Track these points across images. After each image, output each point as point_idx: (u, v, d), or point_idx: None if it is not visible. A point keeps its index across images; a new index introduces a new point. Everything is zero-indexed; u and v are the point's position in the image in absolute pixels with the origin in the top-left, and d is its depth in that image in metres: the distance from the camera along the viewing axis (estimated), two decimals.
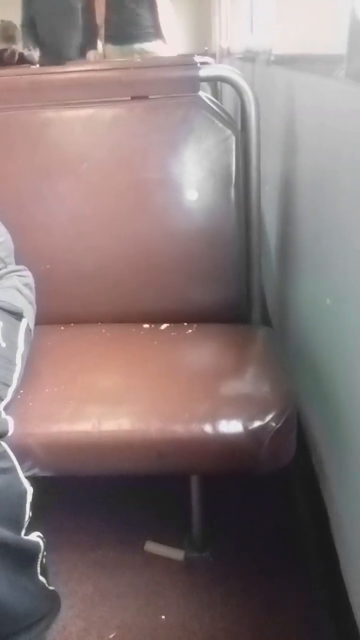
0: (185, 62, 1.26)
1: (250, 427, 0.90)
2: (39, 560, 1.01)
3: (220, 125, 1.21)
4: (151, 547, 1.27)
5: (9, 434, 0.92)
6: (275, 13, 1.83)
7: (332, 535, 1.08)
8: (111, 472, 1.01)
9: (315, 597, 1.11)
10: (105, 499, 1.39)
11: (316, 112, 1.17)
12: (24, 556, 0.98)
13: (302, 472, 1.25)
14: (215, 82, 2.11)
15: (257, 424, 0.90)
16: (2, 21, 4.78)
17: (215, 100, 1.25)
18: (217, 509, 1.33)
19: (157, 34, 3.13)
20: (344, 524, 1.03)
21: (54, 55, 3.38)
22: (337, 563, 1.03)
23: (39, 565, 1.01)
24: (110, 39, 3.09)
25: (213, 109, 1.22)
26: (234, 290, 1.28)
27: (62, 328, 1.28)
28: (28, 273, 1.22)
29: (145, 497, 1.36)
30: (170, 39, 3.16)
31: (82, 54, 3.46)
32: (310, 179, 1.26)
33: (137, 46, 3.10)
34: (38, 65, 3.45)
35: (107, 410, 0.97)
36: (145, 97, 1.24)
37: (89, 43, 3.31)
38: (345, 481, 1.02)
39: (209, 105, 1.22)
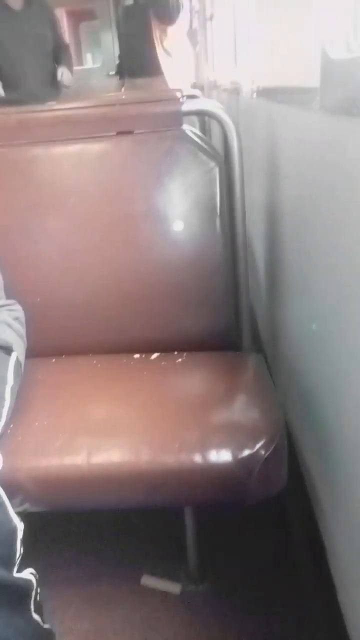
0: (169, 97, 1.29)
1: (239, 456, 0.90)
2: (33, 598, 1.00)
3: (204, 157, 1.24)
4: (148, 581, 1.25)
5: None
6: (255, 46, 1.89)
7: (329, 564, 1.06)
8: (103, 505, 1.00)
9: (314, 629, 1.09)
10: (99, 532, 1.37)
11: (296, 142, 1.21)
12: (17, 595, 0.96)
13: (296, 498, 1.24)
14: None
15: (246, 452, 0.90)
16: None
17: (199, 133, 1.28)
18: (212, 540, 1.31)
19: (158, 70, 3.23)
20: (339, 551, 1.02)
21: (26, 94, 3.30)
22: (334, 593, 1.01)
23: (32, 603, 1.00)
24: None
25: (197, 142, 1.25)
26: (223, 318, 1.29)
27: (53, 360, 1.28)
28: (18, 307, 1.23)
29: (140, 529, 1.35)
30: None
31: (53, 79, 3.45)
32: (293, 206, 1.29)
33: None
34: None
35: (98, 442, 0.97)
36: (131, 132, 1.27)
37: (58, 63, 3.36)
38: (338, 507, 1.01)
39: (192, 138, 1.25)
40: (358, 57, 0.84)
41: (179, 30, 3.12)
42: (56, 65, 3.47)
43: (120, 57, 3.39)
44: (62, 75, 3.42)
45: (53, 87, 3.47)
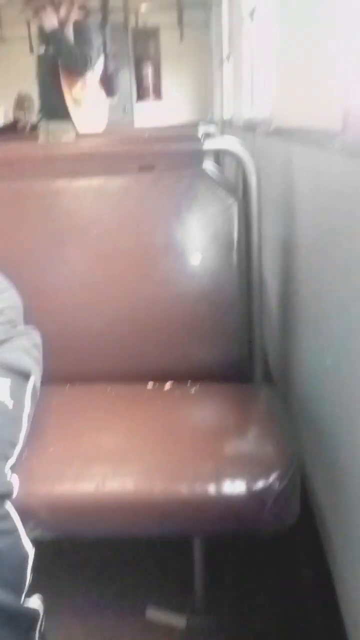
0: (190, 136, 1.34)
1: (253, 488, 0.90)
2: (38, 627, 0.99)
3: (223, 194, 1.27)
4: (152, 614, 1.24)
5: (14, 495, 0.92)
6: (274, 86, 1.95)
7: (338, 601, 1.05)
8: (114, 533, 1.01)
9: None
10: (107, 562, 1.36)
11: (313, 181, 1.24)
12: (23, 623, 0.96)
13: (306, 534, 1.24)
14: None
15: (260, 484, 0.91)
16: (19, 92, 5.06)
17: (218, 171, 1.32)
18: (219, 573, 1.30)
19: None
20: (349, 589, 1.01)
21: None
22: (343, 632, 1.00)
23: (37, 632, 0.99)
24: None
25: (216, 179, 1.29)
26: (236, 351, 1.30)
27: (68, 387, 1.30)
28: (37, 333, 1.25)
29: (147, 560, 1.34)
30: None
31: None
32: (308, 244, 1.32)
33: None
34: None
35: (111, 470, 0.98)
36: (152, 168, 1.32)
37: None
38: (349, 545, 1.01)
39: (211, 176, 1.29)
40: None
41: (90, 80, 3.21)
42: None
43: (40, 101, 3.49)
44: None
45: None
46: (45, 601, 1.02)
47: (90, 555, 1.36)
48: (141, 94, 8.01)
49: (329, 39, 1.08)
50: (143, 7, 7.44)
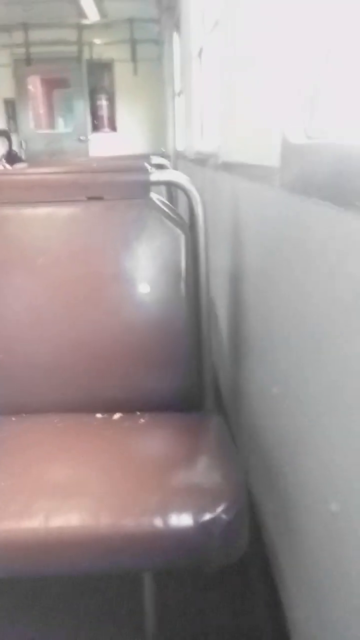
0: (138, 167, 1.36)
1: (200, 520, 0.90)
2: None
3: (171, 225, 1.29)
4: None
5: None
6: (219, 123, 2.02)
7: (288, 626, 1.05)
8: (61, 570, 0.97)
9: None
10: (54, 599, 1.32)
11: (257, 214, 1.28)
12: None
13: (257, 559, 1.23)
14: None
15: (207, 516, 0.90)
16: None
17: (166, 202, 1.34)
18: (171, 605, 1.28)
19: None
20: (300, 617, 1.01)
21: None
22: None
23: None
24: None
25: (164, 210, 1.31)
26: (186, 380, 1.31)
27: (14, 419, 1.27)
28: None
29: (96, 596, 1.30)
30: None
31: None
32: (254, 274, 1.35)
33: None
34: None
35: (57, 505, 0.95)
36: (101, 198, 1.32)
37: None
38: (299, 572, 1.01)
39: (160, 206, 1.31)
40: (313, 143, 0.91)
41: None
42: None
43: None
44: None
45: None
46: None
47: (36, 594, 1.31)
48: (96, 125, 8.09)
49: (267, 80, 1.13)
50: (97, 40, 7.58)
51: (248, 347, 1.47)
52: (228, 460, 1.07)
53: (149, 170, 1.34)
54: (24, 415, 1.28)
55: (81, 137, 7.88)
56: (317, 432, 0.89)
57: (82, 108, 7.97)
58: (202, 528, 0.90)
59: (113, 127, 8.05)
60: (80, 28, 7.37)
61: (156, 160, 2.47)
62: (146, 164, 1.38)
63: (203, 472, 1.07)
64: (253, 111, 1.33)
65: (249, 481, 1.08)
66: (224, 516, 0.91)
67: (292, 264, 0.97)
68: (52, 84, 8.10)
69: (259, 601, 1.26)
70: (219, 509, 0.91)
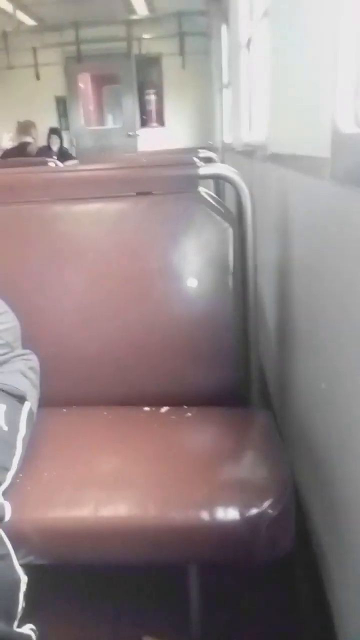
0: (186, 161, 1.36)
1: (246, 515, 0.90)
2: None
3: (218, 218, 1.29)
4: None
5: (6, 519, 0.92)
6: (269, 113, 1.99)
7: (335, 629, 1.04)
8: (108, 559, 1.00)
9: None
10: (101, 590, 1.34)
11: (306, 206, 1.26)
12: None
13: (303, 558, 1.22)
14: None
15: (253, 511, 0.90)
16: (18, 120, 5.27)
17: (214, 195, 1.34)
18: (217, 600, 1.28)
19: None
20: (347, 615, 0.99)
21: None
22: None
23: None
24: None
25: (211, 203, 1.31)
26: (233, 375, 1.30)
27: (65, 410, 1.30)
28: (33, 357, 1.26)
29: (143, 587, 1.32)
30: None
31: None
32: (303, 268, 1.33)
33: None
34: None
35: (105, 495, 0.97)
36: (149, 193, 1.33)
37: None
38: (346, 572, 1.00)
39: (207, 200, 1.30)
40: None
41: None
42: None
43: None
44: None
45: None
46: (39, 628, 1.00)
47: (84, 582, 1.35)
48: (145, 120, 8.13)
49: (318, 69, 1.11)
50: (146, 35, 7.60)
51: (296, 342, 1.45)
52: (274, 455, 1.06)
53: (197, 164, 1.34)
54: (74, 407, 1.31)
55: (130, 133, 7.93)
56: None
57: (130, 103, 8.02)
58: (247, 523, 0.90)
59: (161, 122, 8.06)
60: (129, 24, 7.41)
61: (204, 153, 2.46)
62: (194, 158, 1.38)
63: (249, 466, 1.07)
64: (303, 101, 1.30)
65: (296, 477, 1.07)
66: (270, 511, 0.91)
67: (341, 258, 0.95)
68: (102, 81, 8.19)
69: (304, 601, 1.25)
70: (265, 504, 0.91)
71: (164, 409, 1.27)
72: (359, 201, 0.85)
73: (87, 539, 0.96)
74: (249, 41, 3.12)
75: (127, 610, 1.30)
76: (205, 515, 0.90)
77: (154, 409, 1.28)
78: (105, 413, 1.27)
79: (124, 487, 1.00)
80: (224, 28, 5.22)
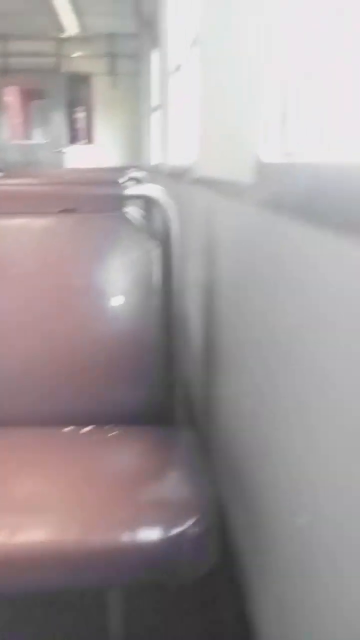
0: (111, 180, 1.36)
1: (168, 534, 0.89)
2: None
3: (144, 238, 1.30)
4: None
5: None
6: (196, 139, 2.04)
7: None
8: (25, 587, 0.95)
9: None
10: (16, 618, 1.28)
11: (231, 227, 1.29)
12: None
13: (227, 574, 1.23)
14: None
15: (176, 530, 0.89)
16: None
17: (140, 215, 1.35)
18: (138, 621, 1.26)
19: None
20: (266, 630, 1.01)
21: None
22: None
23: None
24: None
25: (138, 223, 1.31)
26: (157, 394, 1.30)
27: None
28: None
29: (63, 614, 1.27)
30: None
31: None
32: (227, 288, 1.36)
33: None
34: None
35: (22, 520, 0.93)
36: (73, 210, 1.32)
37: None
38: (267, 587, 1.01)
39: (133, 220, 1.31)
40: (285, 162, 0.93)
41: None
42: None
43: None
44: None
45: None
46: None
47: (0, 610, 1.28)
48: (73, 137, 8.10)
49: (243, 99, 1.15)
50: (76, 53, 7.62)
51: (221, 361, 1.47)
52: (198, 474, 1.06)
53: (123, 184, 1.35)
54: None
55: (57, 149, 7.87)
56: (286, 446, 0.89)
57: (59, 120, 7.97)
58: (170, 542, 0.89)
59: (90, 140, 8.06)
60: (59, 41, 7.40)
61: (132, 173, 2.48)
62: (120, 178, 1.39)
63: (172, 486, 1.06)
64: (229, 129, 1.35)
65: (220, 495, 1.08)
66: (192, 530, 0.90)
67: (265, 279, 0.99)
68: (31, 95, 8.09)
69: (227, 614, 1.25)
70: (188, 523, 0.90)
71: (87, 429, 1.25)
72: (280, 225, 0.89)
73: (3, 565, 0.91)
74: (178, 67, 3.20)
75: (46, 637, 1.25)
76: (125, 537, 0.89)
77: (75, 428, 1.25)
78: (24, 434, 1.23)
79: (41, 511, 0.96)
80: (154, 52, 5.33)
